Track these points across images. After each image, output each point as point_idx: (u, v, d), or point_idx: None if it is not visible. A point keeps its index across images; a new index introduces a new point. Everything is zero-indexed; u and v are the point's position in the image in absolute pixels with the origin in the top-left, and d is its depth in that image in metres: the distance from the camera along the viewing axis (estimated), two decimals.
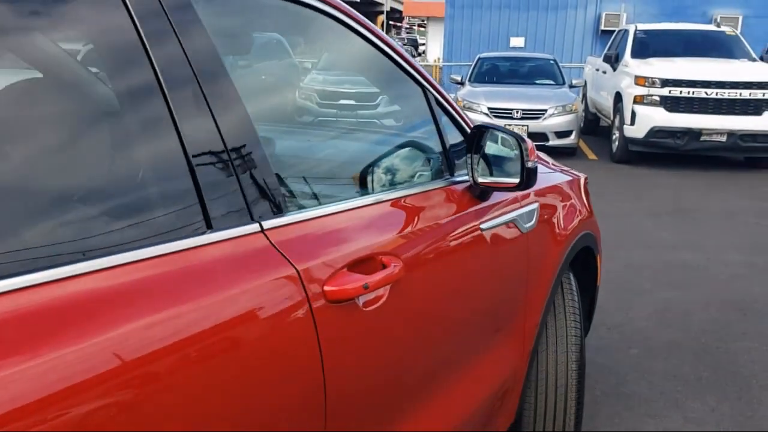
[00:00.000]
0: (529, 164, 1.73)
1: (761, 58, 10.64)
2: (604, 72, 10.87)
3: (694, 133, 8.85)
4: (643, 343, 3.70)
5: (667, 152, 9.13)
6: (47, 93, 1.23)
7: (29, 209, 0.97)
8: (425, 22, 43.30)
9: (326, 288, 1.25)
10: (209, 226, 1.12)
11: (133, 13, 1.07)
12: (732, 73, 9.01)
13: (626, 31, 10.79)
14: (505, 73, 11.28)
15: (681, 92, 8.86)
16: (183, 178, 1.10)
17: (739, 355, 3.59)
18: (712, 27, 11.96)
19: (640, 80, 9.12)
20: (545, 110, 9.52)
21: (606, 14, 21.51)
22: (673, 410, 3.04)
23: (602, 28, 21.41)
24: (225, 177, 1.16)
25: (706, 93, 8.82)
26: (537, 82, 10.96)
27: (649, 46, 10.12)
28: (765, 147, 8.96)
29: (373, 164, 1.73)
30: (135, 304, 0.96)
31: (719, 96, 8.82)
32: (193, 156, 1.11)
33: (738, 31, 12.43)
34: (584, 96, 12.38)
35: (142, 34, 1.08)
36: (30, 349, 0.81)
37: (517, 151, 1.76)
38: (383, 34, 1.67)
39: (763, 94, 8.81)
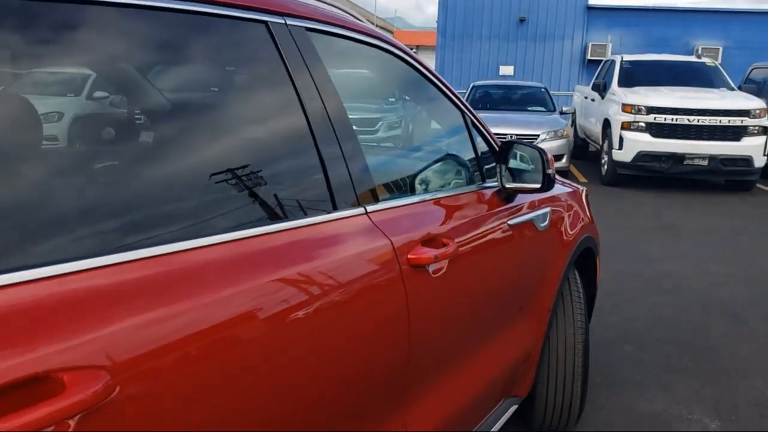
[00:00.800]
0: (549, 171, 2.21)
1: (740, 88, 11.27)
2: (593, 100, 11.45)
3: (677, 157, 9.41)
4: (636, 340, 4.15)
5: (652, 175, 9.67)
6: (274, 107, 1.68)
7: (264, 187, 1.43)
8: (416, 51, 44.21)
9: (409, 256, 1.70)
10: (335, 208, 1.58)
11: (287, 62, 1.54)
12: (713, 102, 9.61)
13: (613, 62, 11.40)
14: (498, 100, 11.85)
15: (665, 119, 9.43)
16: (322, 177, 1.57)
17: (720, 350, 4.06)
18: (693, 58, 12.61)
19: (627, 108, 9.69)
20: (538, 135, 10.05)
21: (592, 44, 22.25)
22: (663, 393, 3.49)
23: (588, 57, 22.16)
24: (344, 177, 1.62)
25: (689, 120, 9.40)
26: (529, 108, 11.52)
27: (634, 75, 10.72)
28: (743, 170, 9.54)
29: (428, 170, 2.20)
30: (298, 254, 1.41)
31: (701, 123, 9.40)
32: (327, 161, 1.58)
33: (718, 62, 13.10)
34: (574, 122, 12.95)
35: (291, 73, 1.55)
36: (224, 285, 1.21)
37: (539, 162, 2.24)
38: (435, 71, 2.15)
39: (741, 122, 9.40)
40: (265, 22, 1.52)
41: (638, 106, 9.62)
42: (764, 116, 9.54)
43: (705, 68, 11.17)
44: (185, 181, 1.33)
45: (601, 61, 20.74)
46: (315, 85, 1.60)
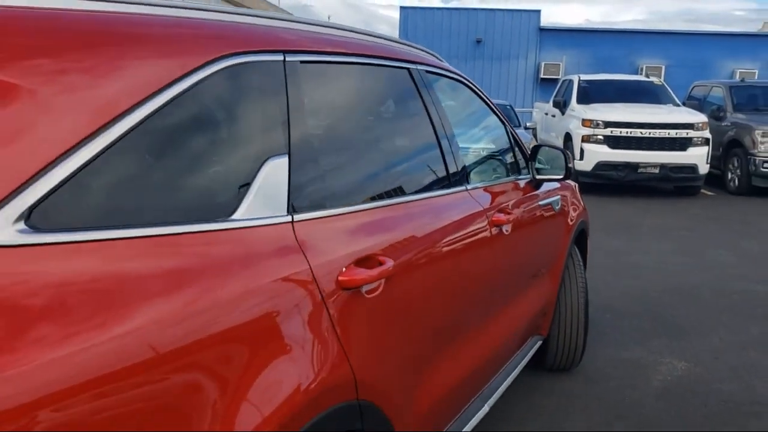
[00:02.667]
0: (570, 165, 3.11)
1: (683, 104, 12.50)
2: (553, 116, 12.54)
3: (632, 166, 10.51)
4: (614, 312, 5.08)
5: (611, 182, 10.74)
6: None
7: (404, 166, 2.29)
8: None
9: (493, 219, 2.56)
10: (450, 185, 2.44)
11: (419, 90, 2.40)
12: (661, 116, 10.77)
13: (571, 81, 12.51)
14: None
15: (621, 132, 10.53)
16: (443, 166, 2.42)
17: (681, 318, 5.01)
18: (643, 77, 13.83)
19: (586, 122, 10.77)
20: None
21: (545, 64, 23.60)
22: (639, 347, 4.41)
23: (542, 76, 23.51)
24: (453, 166, 2.48)
25: (641, 133, 10.52)
26: None
27: (591, 93, 11.84)
28: (690, 177, 10.70)
29: (491, 164, 3.08)
30: (432, 215, 2.25)
31: (652, 135, 10.53)
32: (446, 155, 2.43)
33: (661, 79, 14.39)
34: (535, 137, 14.04)
35: (422, 96, 2.40)
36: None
37: (561, 158, 3.14)
38: (487, 95, 3.03)
39: (687, 134, 10.57)
40: (407, 69, 2.38)
41: (596, 120, 10.71)
42: (706, 129, 10.73)
43: (653, 87, 12.37)
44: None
45: (554, 79, 22.10)
46: (433, 102, 2.46)
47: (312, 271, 1.52)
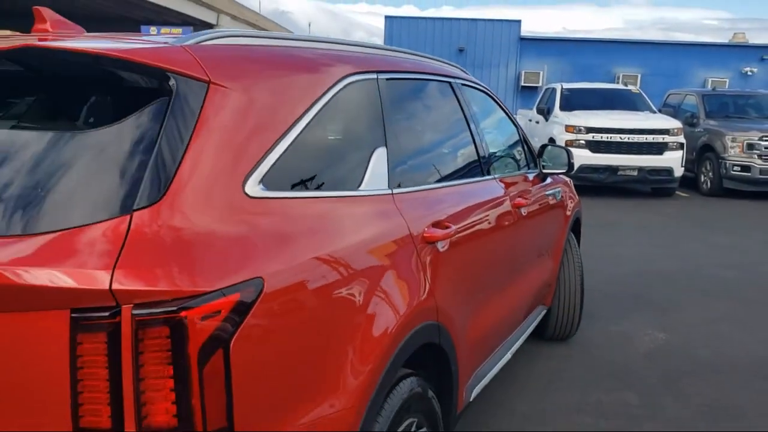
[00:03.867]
0: (572, 161, 3.77)
1: (659, 111, 13.29)
2: (537, 122, 13.25)
3: (612, 169, 11.25)
4: (601, 293, 5.74)
5: (593, 184, 11.45)
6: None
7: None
8: None
9: (514, 202, 3.21)
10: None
11: (459, 99, 3.04)
12: (639, 122, 11.52)
13: (554, 89, 13.24)
14: None
15: (602, 137, 11.26)
16: (477, 160, 3.05)
17: (660, 298, 5.69)
18: (621, 86, 14.62)
19: (569, 128, 11.50)
20: None
21: (525, 72, 24.37)
22: (625, 321, 5.07)
23: (522, 84, 24.29)
24: (484, 158, 3.12)
25: (621, 138, 11.26)
26: None
27: (573, 101, 12.58)
28: (666, 179, 11.46)
29: (505, 161, 3.72)
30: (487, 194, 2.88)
31: (631, 140, 11.28)
32: (479, 148, 3.07)
33: (638, 88, 15.20)
34: None
35: (460, 103, 3.04)
36: None
37: (565, 155, 3.80)
38: (502, 102, 3.68)
39: (663, 139, 11.33)
40: (449, 82, 3.02)
41: (579, 126, 11.43)
42: (680, 134, 11.50)
43: (631, 95, 13.15)
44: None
45: (534, 87, 22.90)
46: (468, 108, 3.10)
47: (408, 228, 2.15)
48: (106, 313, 1.32)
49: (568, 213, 4.42)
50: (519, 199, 3.30)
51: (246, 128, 1.69)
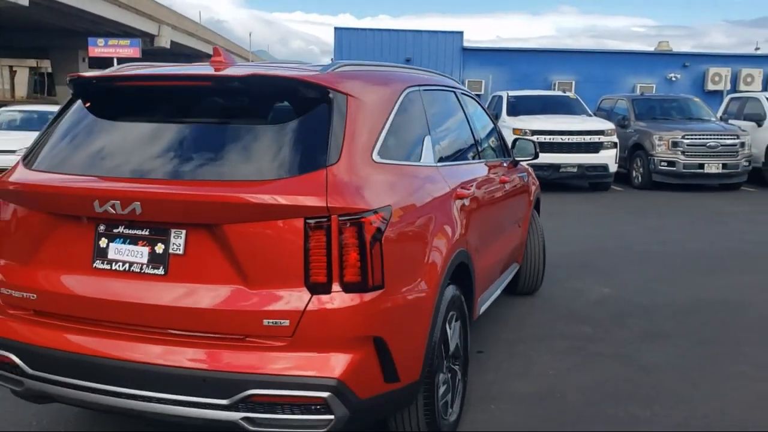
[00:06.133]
0: (537, 150, 4.97)
1: (594, 114, 14.78)
2: None
3: (555, 167, 12.62)
4: (554, 264, 6.96)
5: (538, 181, 12.77)
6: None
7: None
8: None
9: (500, 177, 4.38)
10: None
11: (461, 103, 4.19)
12: (578, 125, 12.95)
13: (501, 97, 14.60)
14: None
15: (545, 138, 12.62)
16: (476, 149, 4.21)
17: (604, 267, 6.96)
18: (560, 92, 16.08)
19: (516, 131, 12.81)
20: None
21: (468, 81, 25.76)
22: (578, 281, 6.31)
23: None
24: (475, 147, 4.28)
25: (562, 139, 12.65)
26: None
27: (518, 107, 13.95)
28: (602, 175, 12.91)
29: (490, 149, 4.87)
30: (470, 174, 4.03)
31: (570, 141, 12.68)
32: (477, 139, 4.23)
33: (575, 93, 16.73)
34: None
35: (462, 106, 4.20)
36: None
37: (532, 146, 5.00)
38: (483, 105, 4.85)
39: (599, 139, 12.77)
40: (454, 91, 4.18)
41: (524, 129, 12.77)
42: (614, 134, 12.97)
43: (569, 100, 14.62)
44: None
45: (478, 95, 24.27)
46: (468, 111, 4.25)
47: (449, 187, 3.29)
48: (324, 219, 2.42)
49: (532, 192, 5.63)
50: (503, 176, 4.48)
51: (367, 121, 2.80)
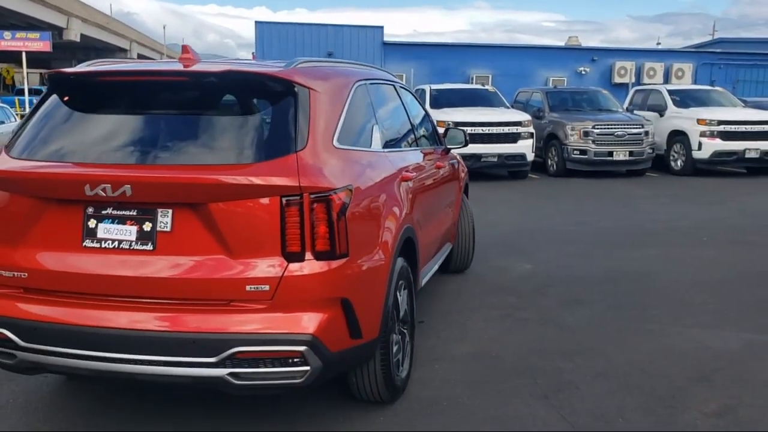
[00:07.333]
0: (467, 138, 5.45)
1: (512, 106, 15.53)
2: None
3: (477, 156, 13.23)
4: (480, 245, 7.50)
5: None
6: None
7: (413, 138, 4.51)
8: None
9: (435, 164, 4.83)
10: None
11: (401, 98, 4.62)
12: (497, 116, 13.62)
13: (424, 90, 15.14)
14: None
15: (467, 130, 13.20)
16: (414, 136, 4.64)
17: (525, 246, 7.54)
18: (479, 86, 16.79)
19: (440, 123, 13.30)
20: None
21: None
22: (502, 259, 6.85)
23: None
24: (412, 135, 4.71)
25: (482, 130, 13.28)
26: None
27: (441, 100, 14.52)
28: (520, 164, 13.63)
29: (424, 138, 5.30)
30: (412, 161, 4.46)
31: (490, 132, 13.32)
32: (415, 128, 4.66)
33: (493, 87, 17.49)
34: None
35: (400, 97, 4.62)
36: None
37: (462, 134, 5.47)
38: (418, 98, 5.29)
39: (517, 129, 13.47)
40: (393, 84, 4.59)
41: (447, 121, 13.29)
42: (530, 125, 13.70)
43: (488, 93, 15.31)
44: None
45: None
46: (405, 102, 4.67)
47: (396, 170, 3.71)
48: (297, 197, 2.79)
49: (462, 178, 6.12)
50: (438, 162, 4.93)
51: (327, 111, 3.18)
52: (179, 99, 3.20)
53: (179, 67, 3.25)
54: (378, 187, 3.41)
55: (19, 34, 31.89)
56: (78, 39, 48.57)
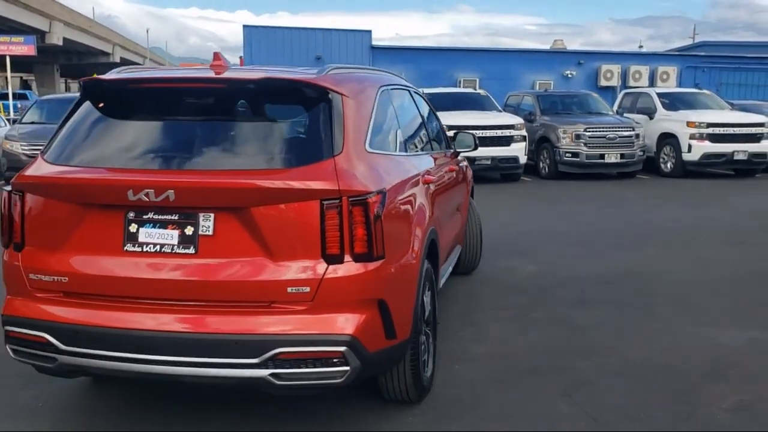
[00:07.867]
0: (477, 142, 5.54)
1: (503, 110, 15.68)
2: None
3: (470, 159, 13.13)
4: (489, 247, 7.61)
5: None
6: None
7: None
8: None
9: (447, 167, 4.92)
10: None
11: (416, 103, 4.71)
12: (490, 120, 13.76)
13: None
14: None
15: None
16: (429, 139, 4.73)
17: (527, 248, 7.66)
18: (471, 90, 16.92)
19: None
20: None
21: None
22: (507, 261, 6.96)
23: None
24: (424, 138, 4.80)
25: (476, 133, 13.39)
26: None
27: (433, 103, 14.45)
28: (513, 166, 13.76)
29: (436, 142, 5.40)
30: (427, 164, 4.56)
31: (484, 135, 13.41)
32: (429, 131, 4.76)
33: (485, 91, 17.64)
34: None
35: (415, 101, 4.71)
36: None
37: (472, 138, 5.56)
38: (430, 103, 5.38)
39: (509, 132, 13.61)
40: (409, 90, 4.68)
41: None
42: (523, 128, 13.85)
43: (480, 97, 15.46)
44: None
45: None
46: (420, 107, 4.76)
47: (419, 174, 3.80)
48: (336, 200, 2.87)
49: (469, 181, 6.22)
50: (450, 166, 5.03)
51: (359, 116, 3.26)
52: (216, 105, 3.28)
53: (215, 74, 3.32)
54: (408, 189, 3.51)
55: (3, 38, 31.60)
56: (61, 42, 48.22)
